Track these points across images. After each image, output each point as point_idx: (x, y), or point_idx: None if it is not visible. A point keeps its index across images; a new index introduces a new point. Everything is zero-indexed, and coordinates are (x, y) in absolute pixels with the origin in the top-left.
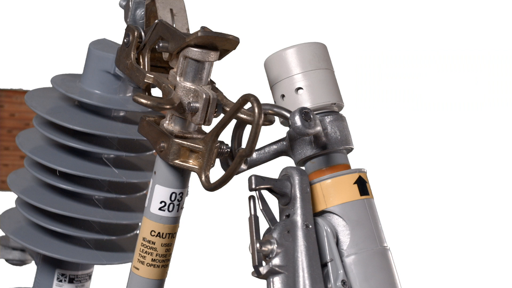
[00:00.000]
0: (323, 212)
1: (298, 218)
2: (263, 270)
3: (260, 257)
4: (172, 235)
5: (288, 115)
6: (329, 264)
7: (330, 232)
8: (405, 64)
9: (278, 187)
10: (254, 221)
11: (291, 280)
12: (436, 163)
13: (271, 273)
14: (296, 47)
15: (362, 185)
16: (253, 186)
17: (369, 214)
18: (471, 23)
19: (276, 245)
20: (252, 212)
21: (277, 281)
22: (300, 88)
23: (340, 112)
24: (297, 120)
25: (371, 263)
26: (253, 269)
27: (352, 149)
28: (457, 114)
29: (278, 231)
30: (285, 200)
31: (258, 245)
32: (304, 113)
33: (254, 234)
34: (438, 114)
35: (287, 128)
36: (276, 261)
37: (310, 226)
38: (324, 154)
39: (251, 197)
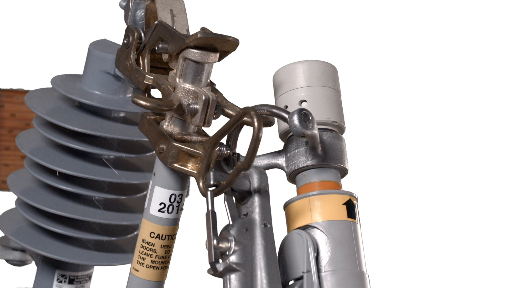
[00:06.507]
0: (307, 227)
1: (257, 217)
2: (219, 267)
3: (217, 253)
4: (171, 236)
5: (286, 116)
6: (305, 275)
7: (312, 244)
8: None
9: (237, 184)
10: (211, 217)
11: (248, 279)
12: (433, 175)
13: (228, 270)
14: (307, 62)
15: (351, 208)
16: (211, 182)
17: (353, 236)
18: (469, 25)
19: (233, 243)
20: (210, 208)
21: (233, 278)
22: (304, 100)
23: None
24: (296, 119)
25: (347, 284)
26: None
27: (346, 170)
28: (451, 124)
29: (236, 229)
30: (243, 198)
31: (215, 241)
32: (303, 113)
33: (212, 230)
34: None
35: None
36: (233, 258)
37: (269, 226)
38: (318, 167)
39: (209, 192)
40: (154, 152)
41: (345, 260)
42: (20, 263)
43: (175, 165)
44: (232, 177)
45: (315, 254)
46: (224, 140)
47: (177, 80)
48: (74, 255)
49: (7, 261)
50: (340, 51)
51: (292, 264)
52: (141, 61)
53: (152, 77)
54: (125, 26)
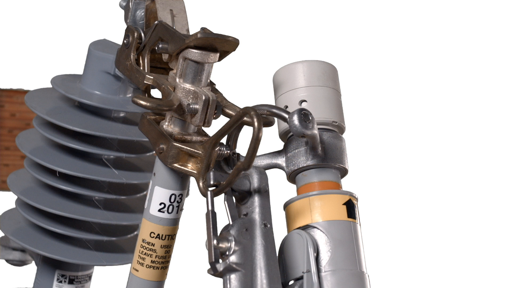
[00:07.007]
0: (307, 227)
1: (257, 217)
2: (219, 267)
3: (217, 253)
4: (171, 236)
5: (286, 116)
6: (305, 275)
7: (312, 244)
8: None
9: (237, 184)
10: (211, 217)
11: (248, 279)
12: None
13: (228, 270)
14: (307, 62)
15: (351, 208)
16: (211, 182)
17: (353, 236)
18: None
19: (233, 242)
20: (210, 208)
21: (233, 278)
22: (304, 100)
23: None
24: (296, 119)
25: (347, 284)
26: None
27: (346, 170)
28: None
29: (236, 228)
30: (243, 198)
31: (215, 241)
32: (303, 114)
33: (212, 230)
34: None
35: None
36: (233, 258)
37: (269, 226)
38: (318, 167)
39: (209, 192)
40: (154, 152)
41: (345, 260)
42: (20, 263)
43: (175, 165)
44: (232, 177)
45: (315, 254)
46: (224, 140)
47: (177, 80)
48: (74, 255)
49: (7, 261)
50: (340, 51)
51: (292, 264)
52: (141, 61)
53: (152, 77)
54: (125, 26)
